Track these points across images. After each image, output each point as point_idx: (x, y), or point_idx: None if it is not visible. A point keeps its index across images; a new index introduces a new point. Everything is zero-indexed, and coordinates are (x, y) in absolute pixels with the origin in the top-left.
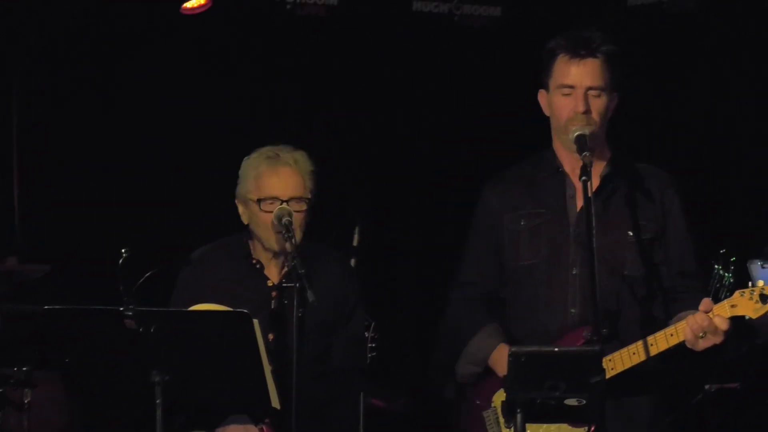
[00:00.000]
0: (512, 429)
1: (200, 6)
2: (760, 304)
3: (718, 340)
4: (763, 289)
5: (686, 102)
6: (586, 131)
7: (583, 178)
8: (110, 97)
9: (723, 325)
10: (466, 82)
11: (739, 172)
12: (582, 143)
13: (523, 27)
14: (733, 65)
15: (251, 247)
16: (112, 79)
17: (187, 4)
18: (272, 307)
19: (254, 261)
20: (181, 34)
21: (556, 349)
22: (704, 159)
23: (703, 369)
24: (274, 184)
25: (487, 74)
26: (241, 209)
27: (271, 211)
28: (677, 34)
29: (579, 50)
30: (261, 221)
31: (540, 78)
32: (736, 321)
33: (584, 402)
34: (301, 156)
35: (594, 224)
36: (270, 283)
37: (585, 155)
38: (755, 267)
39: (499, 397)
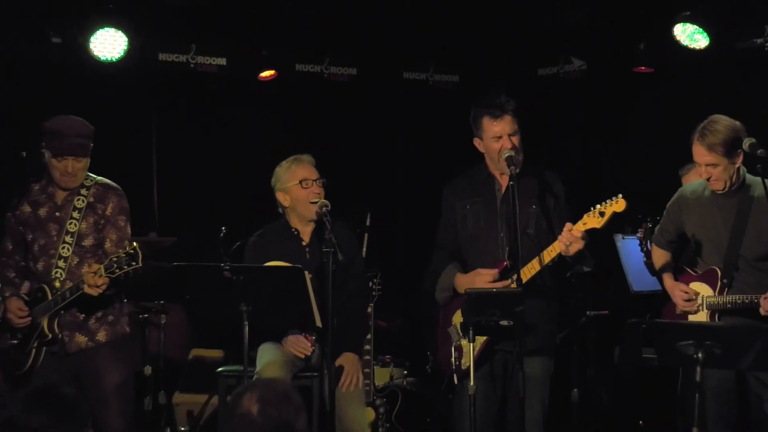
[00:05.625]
0: (467, 339)
1: (270, 76)
2: (600, 218)
3: (580, 245)
4: (600, 209)
5: (575, 136)
6: (512, 153)
7: (511, 183)
8: (215, 125)
9: (579, 233)
10: (437, 128)
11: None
12: (510, 161)
13: (476, 88)
14: (612, 122)
15: (290, 222)
16: (223, 116)
17: (263, 74)
18: (307, 258)
19: (294, 230)
20: (257, 94)
21: (494, 290)
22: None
23: (584, 301)
24: (306, 172)
25: (452, 125)
26: (281, 197)
27: (309, 188)
28: (569, 96)
29: (496, 112)
30: (301, 197)
31: (473, 131)
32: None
33: (512, 323)
34: (312, 158)
35: (517, 208)
36: (304, 243)
37: (512, 168)
38: (617, 238)
39: (457, 318)
